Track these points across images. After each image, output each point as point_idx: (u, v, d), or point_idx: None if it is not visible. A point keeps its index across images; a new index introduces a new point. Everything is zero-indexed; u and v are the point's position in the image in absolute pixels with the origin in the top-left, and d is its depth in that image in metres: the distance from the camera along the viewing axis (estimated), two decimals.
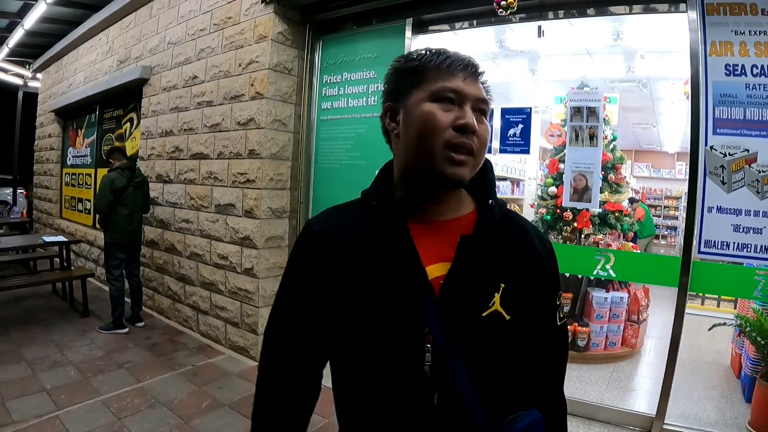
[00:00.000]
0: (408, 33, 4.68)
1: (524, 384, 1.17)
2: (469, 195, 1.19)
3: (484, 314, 1.05)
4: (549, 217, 5.91)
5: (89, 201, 9.22)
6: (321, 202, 5.25)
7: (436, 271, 1.06)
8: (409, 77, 1.10)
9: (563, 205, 5.04)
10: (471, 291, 1.06)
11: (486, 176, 1.17)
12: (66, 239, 7.47)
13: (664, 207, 13.95)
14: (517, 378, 1.13)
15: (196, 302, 5.87)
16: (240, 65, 5.29)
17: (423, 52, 1.12)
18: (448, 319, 1.02)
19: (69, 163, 10.44)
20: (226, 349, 5.46)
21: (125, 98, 7.81)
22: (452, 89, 1.04)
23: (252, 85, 5.12)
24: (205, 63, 5.79)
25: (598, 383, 4.85)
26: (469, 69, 1.07)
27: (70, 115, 10.31)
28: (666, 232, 12.76)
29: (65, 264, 7.55)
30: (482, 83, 1.09)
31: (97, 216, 5.98)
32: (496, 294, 1.07)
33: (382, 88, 1.21)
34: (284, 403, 1.22)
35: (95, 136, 9.07)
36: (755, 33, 3.38)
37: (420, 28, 4.75)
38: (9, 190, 15.54)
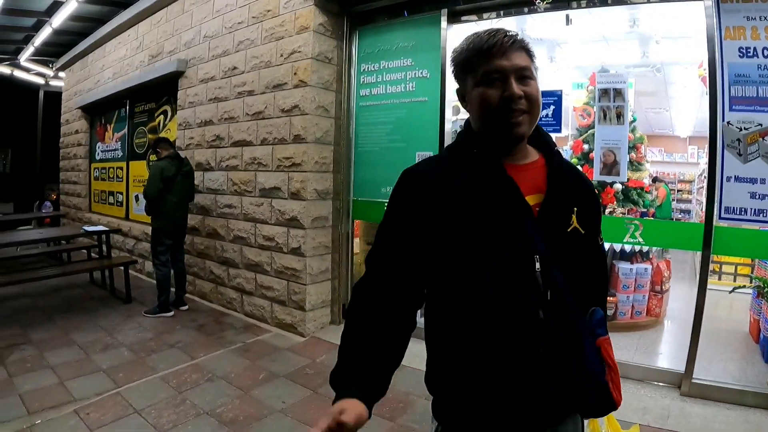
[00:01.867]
0: (443, 23, 4.95)
1: (590, 284, 1.47)
2: (532, 146, 1.46)
3: (568, 230, 1.36)
4: None
5: (121, 194, 9.49)
6: (362, 184, 5.56)
7: (530, 200, 1.32)
8: (462, 67, 1.37)
9: (593, 179, 5.26)
10: (558, 213, 1.36)
11: (541, 132, 1.47)
12: (107, 229, 7.70)
13: (678, 191, 13.97)
14: (586, 280, 1.44)
15: (241, 284, 6.13)
16: (282, 55, 5.55)
17: (466, 42, 1.38)
18: (545, 235, 1.30)
19: (98, 157, 10.69)
20: (272, 327, 5.71)
21: (158, 91, 8.07)
22: (494, 70, 1.28)
23: (295, 73, 5.38)
24: (244, 54, 6.04)
25: (626, 348, 5.10)
26: (504, 46, 1.29)
27: (98, 111, 10.54)
28: (680, 216, 12.81)
29: (104, 253, 7.79)
30: (522, 47, 1.34)
31: (146, 204, 6.13)
32: (573, 215, 1.38)
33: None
34: (381, 325, 1.34)
35: (126, 130, 9.33)
36: (765, 18, 3.68)
37: (454, 18, 5.00)
38: None
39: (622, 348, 5.04)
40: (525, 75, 1.30)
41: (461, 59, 1.36)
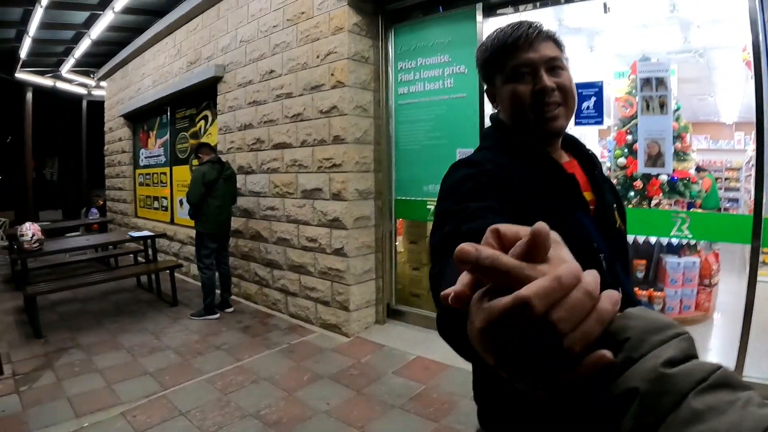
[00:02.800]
0: (479, 17, 4.89)
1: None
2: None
3: (615, 226, 1.35)
4: (620, 187, 6.00)
5: (165, 198, 9.68)
6: (404, 183, 5.54)
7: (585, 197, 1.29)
8: (489, 65, 1.31)
9: (637, 172, 5.15)
10: (607, 210, 1.33)
11: (567, 134, 1.40)
12: (152, 234, 7.84)
13: (725, 179, 13.57)
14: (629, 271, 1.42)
15: (285, 285, 6.18)
16: (318, 57, 5.56)
17: (490, 39, 1.31)
18: (601, 232, 1.27)
19: (142, 164, 10.91)
20: (317, 328, 5.74)
21: (198, 97, 8.17)
22: (521, 64, 1.22)
23: (332, 74, 5.38)
24: (281, 57, 6.07)
25: None
26: (530, 37, 1.22)
27: (140, 118, 10.76)
28: (728, 205, 12.42)
29: (151, 258, 7.95)
30: (548, 37, 1.27)
31: (189, 208, 6.22)
32: (615, 212, 1.37)
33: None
34: None
35: (168, 135, 9.49)
36: None
37: (489, 11, 4.93)
38: None
39: None
40: (555, 66, 1.24)
41: (486, 57, 1.30)
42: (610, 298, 0.50)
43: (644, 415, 0.46)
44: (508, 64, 1.24)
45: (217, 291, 6.48)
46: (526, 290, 0.45)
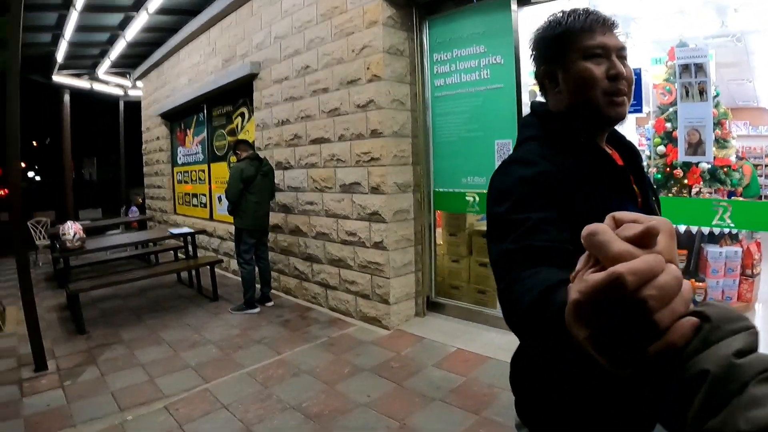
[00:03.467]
0: (514, 6, 4.82)
1: None
2: None
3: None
4: (660, 176, 5.91)
5: (204, 195, 9.82)
6: (442, 175, 5.54)
7: None
8: (559, 42, 1.27)
9: (678, 160, 5.06)
10: (650, 203, 1.34)
11: None
12: (192, 230, 7.98)
13: (766, 166, 13.26)
14: None
15: (325, 279, 6.23)
16: (353, 51, 5.57)
17: (562, 16, 1.30)
18: None
19: (179, 162, 11.10)
20: (357, 321, 5.78)
21: (234, 94, 8.26)
22: (598, 45, 1.22)
23: (368, 68, 5.40)
24: (316, 52, 6.10)
25: None
26: (606, 23, 1.24)
27: (177, 117, 10.93)
28: None
29: (191, 254, 8.10)
30: (617, 29, 1.27)
31: (228, 205, 6.30)
32: (654, 204, 1.38)
33: (532, 53, 1.39)
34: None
35: (205, 133, 9.62)
36: None
37: (524, 0, 4.85)
38: None
39: None
40: (623, 56, 1.25)
41: (559, 33, 1.27)
42: (688, 286, 0.53)
43: (712, 397, 0.49)
44: (584, 43, 1.24)
45: (257, 285, 6.56)
46: (621, 266, 0.49)
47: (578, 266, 0.57)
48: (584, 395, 1.19)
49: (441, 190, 5.56)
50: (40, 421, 3.87)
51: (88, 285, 6.34)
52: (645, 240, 0.53)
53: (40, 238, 10.87)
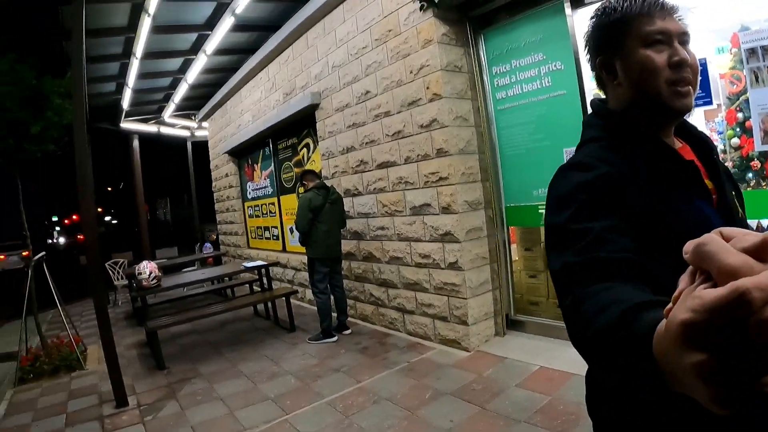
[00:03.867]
0: (568, 10, 4.70)
1: None
2: None
3: (738, 216, 1.24)
4: (735, 169, 5.65)
5: (275, 228, 10.03)
6: (513, 189, 5.44)
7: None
8: (616, 29, 1.19)
9: (754, 151, 4.82)
10: (728, 199, 1.22)
11: None
12: (265, 263, 8.09)
13: None
14: None
15: (401, 303, 6.21)
16: (411, 72, 5.58)
17: (617, 1, 1.20)
18: (725, 223, 1.10)
19: (249, 196, 11.40)
20: (436, 344, 5.71)
21: (298, 126, 8.43)
22: (659, 31, 1.13)
23: (427, 88, 5.39)
24: (374, 77, 6.15)
25: None
26: (666, 7, 1.16)
27: (244, 153, 11.26)
28: None
29: (266, 286, 8.25)
30: (678, 13, 1.17)
31: (299, 235, 6.38)
32: (735, 200, 1.26)
33: (587, 45, 1.31)
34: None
35: (272, 167, 9.84)
36: None
37: (577, 2, 4.71)
38: None
39: None
40: (686, 41, 1.16)
41: (612, 20, 1.19)
42: None
43: None
44: (643, 29, 1.15)
45: (334, 314, 6.60)
46: (745, 281, 0.42)
47: (681, 285, 0.52)
48: (663, 424, 1.08)
49: (513, 204, 5.45)
50: None
51: (166, 322, 6.52)
52: (764, 252, 0.46)
53: (118, 279, 11.31)
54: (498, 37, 5.39)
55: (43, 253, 7.22)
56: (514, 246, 5.76)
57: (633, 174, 1.11)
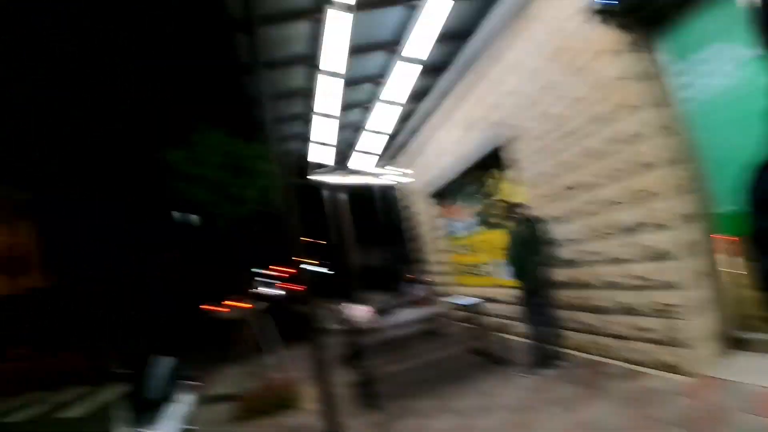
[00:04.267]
0: None
1: None
2: None
3: None
4: None
5: (483, 264, 10.12)
6: (727, 197, 4.91)
7: None
8: None
9: None
10: None
11: None
12: (477, 299, 8.25)
13: None
14: None
15: (616, 330, 6.02)
16: (602, 88, 5.54)
17: None
18: None
19: (454, 234, 11.72)
20: (655, 371, 5.43)
21: (495, 160, 8.57)
22: None
23: (620, 101, 5.31)
24: (566, 101, 6.21)
25: None
26: None
27: (444, 193, 11.65)
28: None
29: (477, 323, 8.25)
30: None
31: (510, 268, 6.49)
32: None
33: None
34: None
35: (475, 203, 10.12)
36: None
37: None
38: None
39: None
40: None
41: None
42: None
43: None
44: None
45: (547, 346, 6.55)
46: None
47: None
48: None
49: (730, 213, 4.96)
50: None
51: (379, 362, 6.87)
52: None
53: (332, 323, 12.05)
54: (681, 36, 5.05)
55: (268, 303, 8.01)
56: (737, 258, 5.31)
57: None
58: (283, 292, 39.73)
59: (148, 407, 5.10)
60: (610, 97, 5.40)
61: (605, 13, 5.18)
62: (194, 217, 38.95)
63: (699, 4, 4.83)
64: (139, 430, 4.80)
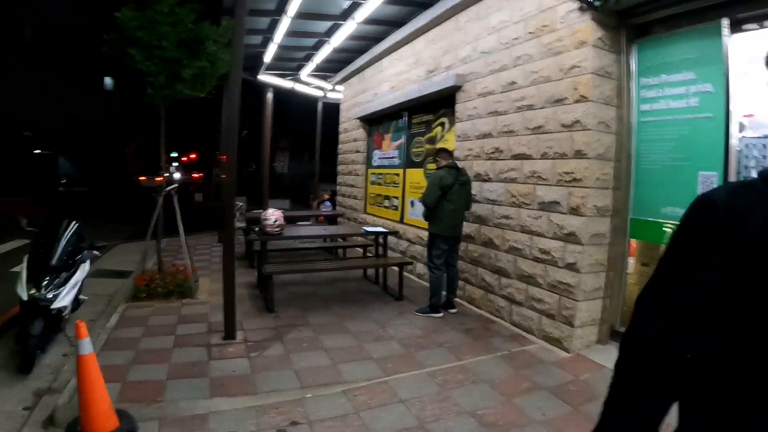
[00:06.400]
0: (725, 31, 4.63)
1: None
2: None
3: None
4: None
5: (396, 198, 10.51)
6: (642, 203, 5.51)
7: None
8: None
9: None
10: None
11: None
12: (386, 230, 8.65)
13: None
14: None
15: (511, 294, 6.50)
16: (561, 70, 5.78)
17: None
18: None
19: (375, 164, 11.94)
20: (538, 340, 5.95)
21: (436, 104, 8.79)
22: None
23: (575, 89, 5.57)
24: (522, 69, 6.40)
25: None
26: None
27: (376, 121, 11.77)
28: None
29: (380, 253, 8.72)
30: None
31: (424, 210, 6.81)
32: None
33: None
34: (646, 387, 1.16)
35: (404, 139, 10.28)
36: None
37: (736, 27, 4.62)
38: None
39: None
40: None
41: None
42: None
43: None
44: None
45: (444, 291, 6.95)
46: None
47: None
48: None
49: (639, 218, 5.53)
50: (224, 384, 4.53)
51: (282, 269, 7.16)
52: None
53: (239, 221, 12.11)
54: (651, 49, 5.43)
55: (176, 185, 7.91)
56: (631, 259, 5.84)
57: (752, 221, 0.98)
58: (180, 177, 39.67)
59: (48, 271, 5.11)
60: (571, 84, 5.62)
61: (591, 6, 5.35)
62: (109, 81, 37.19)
63: (676, 29, 5.15)
64: (37, 293, 4.82)
